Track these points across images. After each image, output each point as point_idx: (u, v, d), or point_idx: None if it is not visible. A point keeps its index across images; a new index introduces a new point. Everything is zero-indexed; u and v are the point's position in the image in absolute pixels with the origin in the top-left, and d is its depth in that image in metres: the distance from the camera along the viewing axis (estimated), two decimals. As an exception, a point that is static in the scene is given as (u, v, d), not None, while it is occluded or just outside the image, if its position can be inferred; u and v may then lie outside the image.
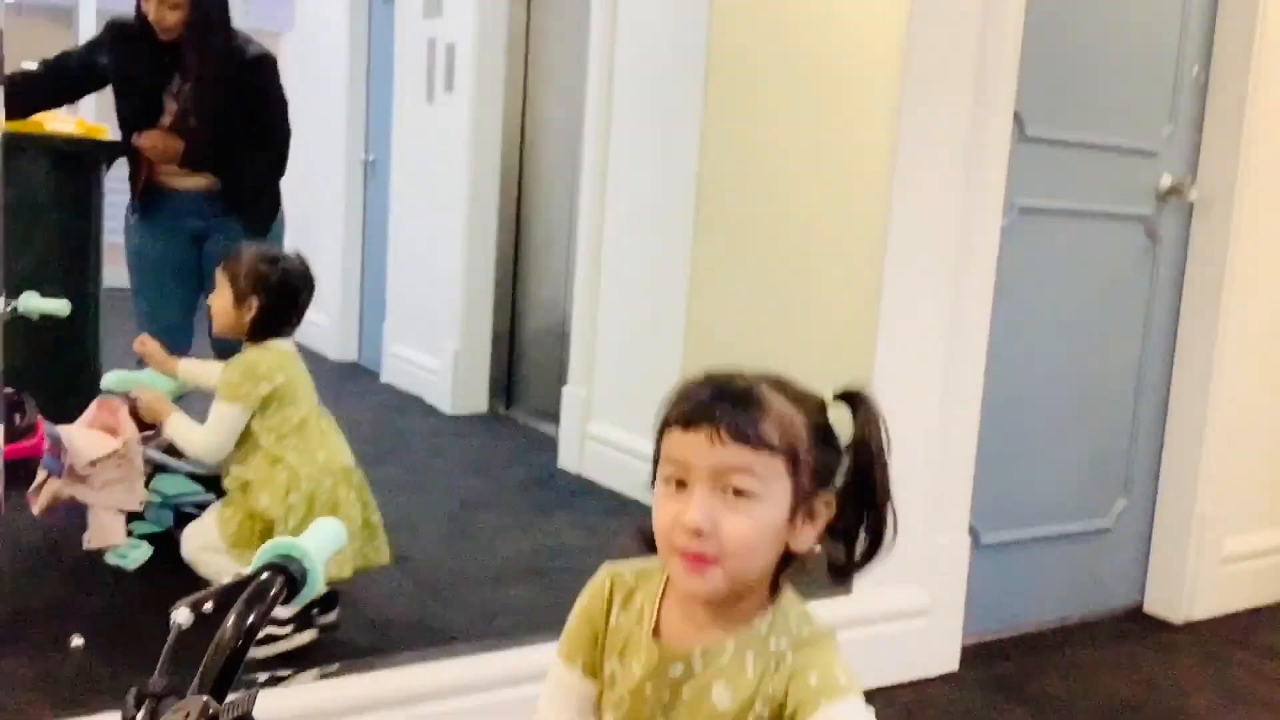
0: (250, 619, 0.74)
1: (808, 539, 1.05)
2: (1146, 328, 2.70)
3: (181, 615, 0.77)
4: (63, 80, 2.76)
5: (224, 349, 2.57)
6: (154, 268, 2.83)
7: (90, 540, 2.24)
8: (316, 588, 0.82)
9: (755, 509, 1.00)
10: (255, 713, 0.74)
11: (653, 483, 1.06)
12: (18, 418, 2.24)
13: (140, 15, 2.65)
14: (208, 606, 0.78)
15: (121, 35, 2.71)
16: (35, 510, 2.26)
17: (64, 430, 2.25)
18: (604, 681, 1.11)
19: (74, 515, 2.26)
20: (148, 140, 2.68)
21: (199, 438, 2.21)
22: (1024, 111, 2.35)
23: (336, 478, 2.18)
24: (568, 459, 3.58)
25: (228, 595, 0.79)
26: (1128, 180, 2.60)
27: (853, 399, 1.07)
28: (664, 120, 3.27)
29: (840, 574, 1.09)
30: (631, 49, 3.36)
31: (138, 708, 0.70)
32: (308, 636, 2.17)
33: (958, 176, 2.25)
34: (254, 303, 2.18)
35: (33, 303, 2.19)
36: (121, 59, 2.70)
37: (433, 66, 4.32)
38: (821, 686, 1.01)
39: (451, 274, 4.26)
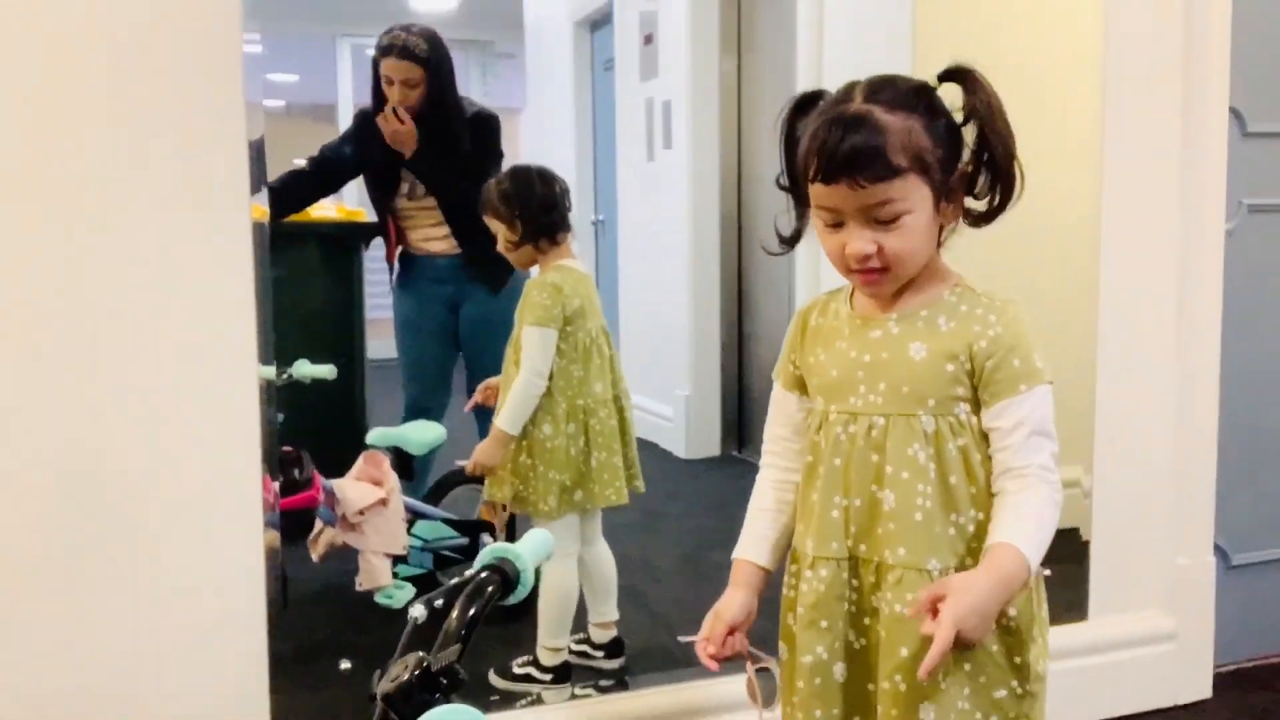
0: (472, 610, 0.86)
1: (953, 214, 1.19)
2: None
3: (416, 610, 0.91)
4: (325, 174, 3.05)
5: (482, 417, 2.73)
6: (413, 328, 3.03)
7: (361, 582, 2.46)
8: (528, 587, 0.94)
9: (906, 222, 1.14)
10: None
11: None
12: (296, 472, 2.51)
13: (377, 102, 2.86)
14: (438, 603, 0.91)
15: (364, 123, 2.93)
16: (314, 557, 2.51)
17: (336, 483, 2.49)
18: (813, 370, 1.26)
19: (348, 561, 2.51)
20: (386, 124, 2.81)
21: (522, 377, 2.21)
22: (1242, 107, 2.26)
23: (609, 408, 2.28)
24: (800, 496, 3.62)
25: (453, 592, 0.92)
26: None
27: (958, 75, 1.18)
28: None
29: (981, 221, 1.21)
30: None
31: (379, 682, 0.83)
32: (563, 693, 2.26)
33: (1173, 178, 2.19)
34: (516, 217, 2.26)
35: (304, 369, 2.45)
36: (366, 144, 2.91)
37: (651, 125, 4.52)
38: (1023, 371, 1.15)
39: (680, 324, 4.41)
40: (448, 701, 0.73)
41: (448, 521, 2.67)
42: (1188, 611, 2.28)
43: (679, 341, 4.42)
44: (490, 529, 2.73)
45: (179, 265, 1.64)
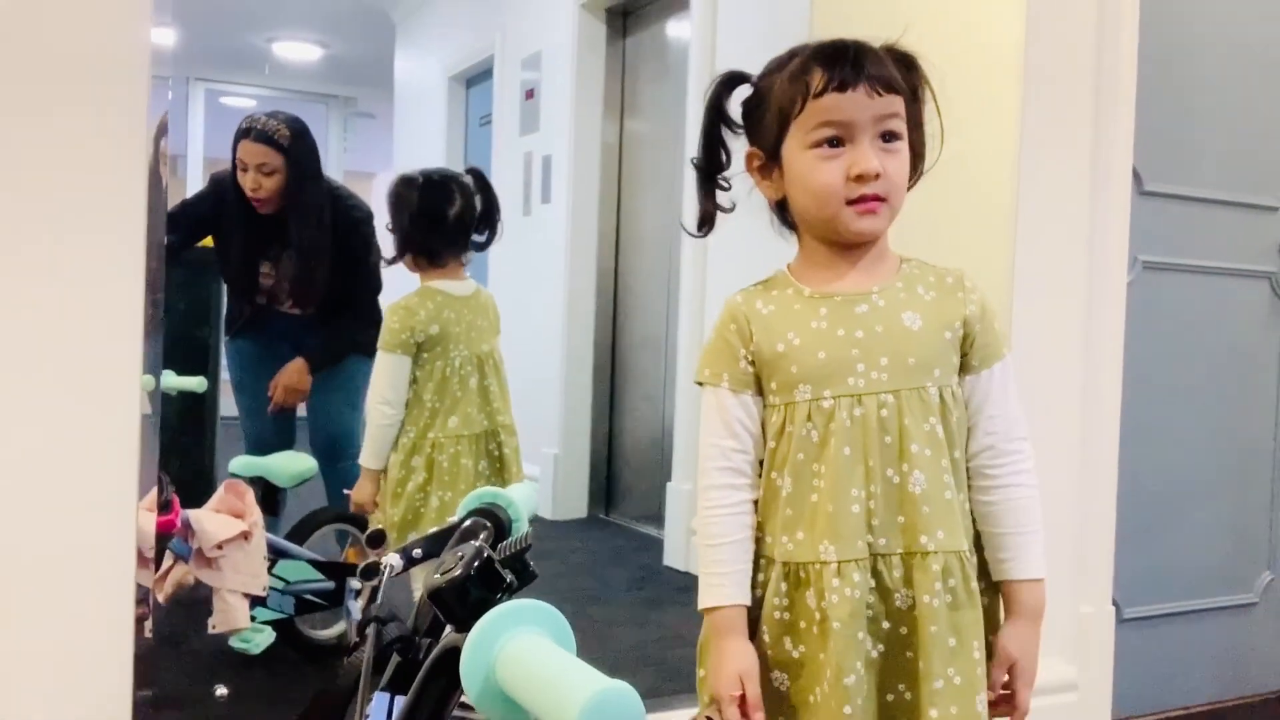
0: (472, 546, 0.72)
1: (913, 170, 1.18)
2: (1280, 389, 2.61)
3: (393, 559, 0.76)
4: (175, 233, 2.73)
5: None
6: (253, 372, 2.78)
7: (215, 624, 2.23)
8: (522, 535, 0.80)
9: (901, 147, 1.12)
10: None
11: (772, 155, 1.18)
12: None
13: (237, 182, 2.64)
14: (416, 552, 0.77)
15: (221, 196, 2.68)
16: (160, 597, 2.26)
17: (192, 513, 2.27)
18: (786, 358, 1.15)
19: (199, 601, 2.26)
20: (278, 392, 2.72)
21: (368, 405, 2.11)
22: (1141, 167, 2.33)
23: (461, 447, 2.13)
24: (674, 556, 3.52)
25: (435, 542, 0.78)
26: (1250, 236, 2.56)
27: (905, 58, 1.17)
28: (762, 221, 3.30)
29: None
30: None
31: (360, 634, 0.68)
32: None
33: (1082, 231, 2.23)
34: (399, 229, 2.10)
35: (170, 380, 2.23)
36: (222, 220, 2.69)
37: (529, 179, 4.45)
38: (1001, 335, 1.17)
39: (551, 381, 4.29)
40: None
41: (313, 563, 2.45)
42: (1089, 660, 2.26)
43: (550, 399, 4.30)
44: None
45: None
